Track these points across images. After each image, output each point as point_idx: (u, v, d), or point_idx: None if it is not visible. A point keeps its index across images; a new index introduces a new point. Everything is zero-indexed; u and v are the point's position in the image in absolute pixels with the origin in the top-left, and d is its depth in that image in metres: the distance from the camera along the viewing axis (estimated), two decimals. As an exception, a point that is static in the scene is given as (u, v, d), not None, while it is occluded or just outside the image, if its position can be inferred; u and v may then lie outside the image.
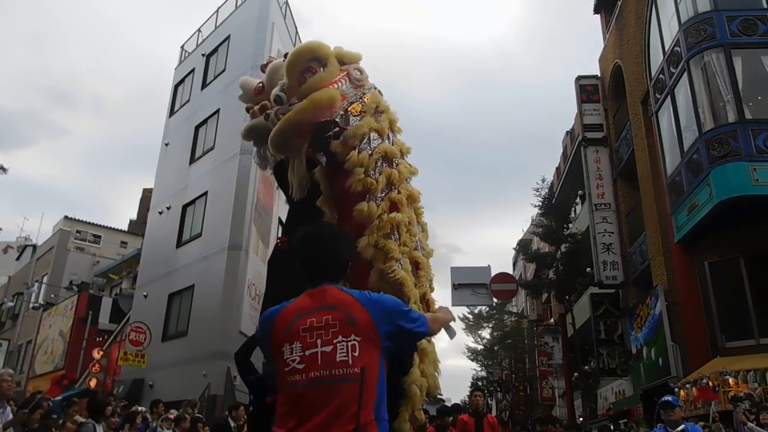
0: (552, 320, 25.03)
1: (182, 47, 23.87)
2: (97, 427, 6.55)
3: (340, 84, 4.39)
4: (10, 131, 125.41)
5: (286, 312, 2.10)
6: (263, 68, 5.33)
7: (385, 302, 2.11)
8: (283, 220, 7.24)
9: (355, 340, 1.95)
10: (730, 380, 9.90)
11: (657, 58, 14.25)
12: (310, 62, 4.40)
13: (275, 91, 4.52)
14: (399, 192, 4.24)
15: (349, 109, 4.33)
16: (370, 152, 4.22)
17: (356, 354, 1.93)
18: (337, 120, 4.28)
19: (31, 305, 28.69)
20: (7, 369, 6.98)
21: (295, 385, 1.93)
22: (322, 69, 4.36)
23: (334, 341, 1.95)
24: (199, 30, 22.94)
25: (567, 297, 19.38)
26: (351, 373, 1.91)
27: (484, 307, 30.13)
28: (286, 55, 4.81)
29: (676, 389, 10.98)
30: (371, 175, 4.17)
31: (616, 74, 17.60)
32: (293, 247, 2.30)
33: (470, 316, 32.52)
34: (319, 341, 1.96)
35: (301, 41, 23.88)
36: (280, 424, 1.95)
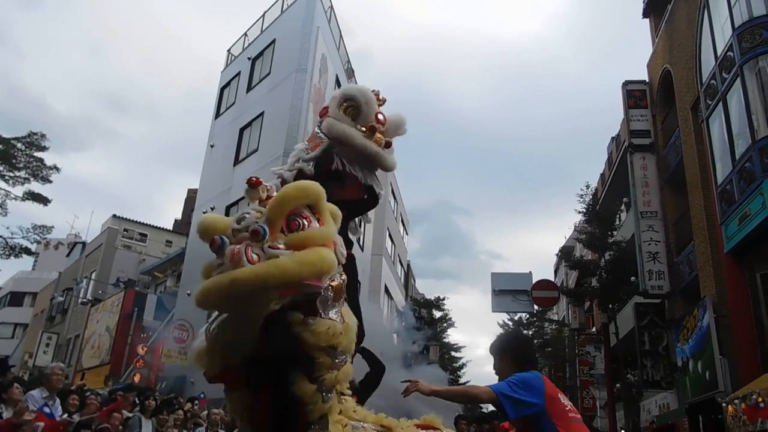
0: (594, 329, 24.56)
1: (229, 51, 24.33)
2: (144, 420, 6.70)
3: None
4: (69, 135, 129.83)
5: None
6: (321, 116, 4.99)
7: None
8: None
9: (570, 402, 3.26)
10: (782, 397, 9.53)
11: (708, 64, 13.85)
12: (303, 208, 2.98)
13: (253, 220, 2.74)
14: None
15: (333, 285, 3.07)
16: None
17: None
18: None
19: (79, 301, 29.60)
20: (58, 363, 7.19)
21: (575, 420, 3.12)
22: (315, 220, 2.96)
23: (568, 400, 3.26)
24: (245, 34, 23.35)
25: (610, 306, 19.00)
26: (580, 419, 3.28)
27: (524, 314, 29.85)
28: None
29: (724, 404, 10.66)
30: None
31: (665, 79, 17.18)
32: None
33: (510, 323, 32.24)
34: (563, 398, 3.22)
35: (345, 45, 24.15)
36: None
